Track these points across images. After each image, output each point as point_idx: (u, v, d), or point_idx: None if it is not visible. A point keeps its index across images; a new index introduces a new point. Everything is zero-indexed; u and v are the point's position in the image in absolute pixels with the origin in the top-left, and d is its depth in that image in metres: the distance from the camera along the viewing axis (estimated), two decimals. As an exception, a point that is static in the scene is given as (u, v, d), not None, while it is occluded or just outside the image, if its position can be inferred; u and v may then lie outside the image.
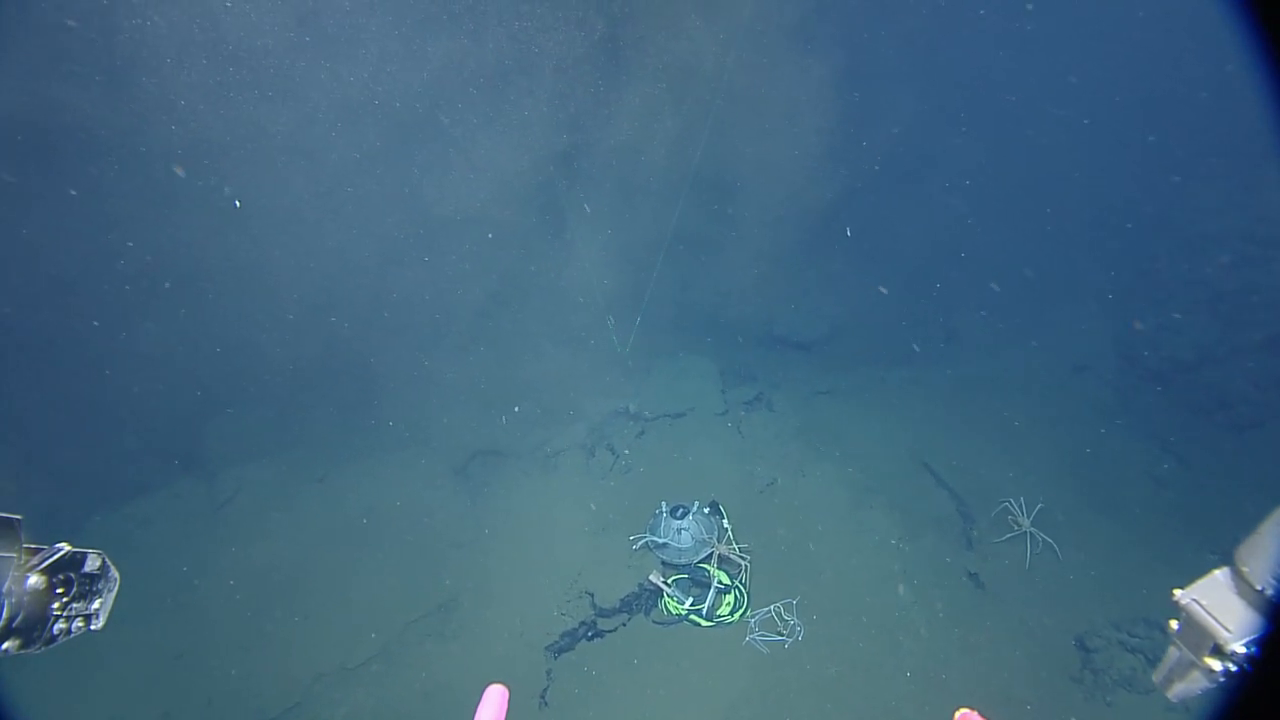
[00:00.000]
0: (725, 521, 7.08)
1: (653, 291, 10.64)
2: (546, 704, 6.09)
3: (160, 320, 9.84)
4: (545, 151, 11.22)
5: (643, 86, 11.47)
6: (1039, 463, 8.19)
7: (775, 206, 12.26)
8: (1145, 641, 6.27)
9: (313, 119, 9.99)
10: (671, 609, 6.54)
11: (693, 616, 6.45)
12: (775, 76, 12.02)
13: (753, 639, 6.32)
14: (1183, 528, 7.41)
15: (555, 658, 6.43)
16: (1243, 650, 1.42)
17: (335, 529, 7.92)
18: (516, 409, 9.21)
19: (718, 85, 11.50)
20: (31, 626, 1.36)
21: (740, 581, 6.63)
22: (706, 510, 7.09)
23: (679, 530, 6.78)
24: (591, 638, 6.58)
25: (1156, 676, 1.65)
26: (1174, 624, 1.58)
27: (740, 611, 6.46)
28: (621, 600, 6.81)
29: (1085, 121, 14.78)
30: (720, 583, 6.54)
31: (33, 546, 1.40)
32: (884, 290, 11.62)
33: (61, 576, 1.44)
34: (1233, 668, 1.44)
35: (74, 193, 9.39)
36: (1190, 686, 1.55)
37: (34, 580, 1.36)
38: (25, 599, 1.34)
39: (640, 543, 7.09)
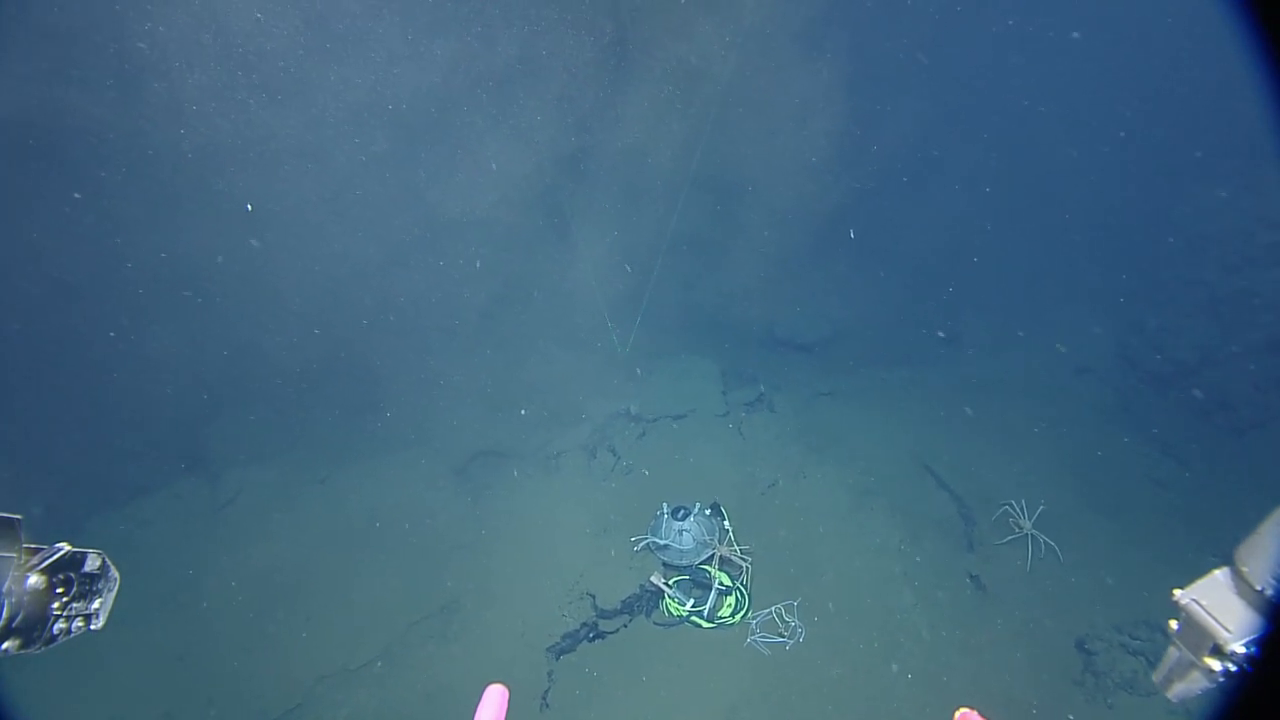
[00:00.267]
0: (726, 523, 7.07)
1: (652, 293, 10.65)
2: (548, 705, 6.08)
3: (167, 323, 9.85)
4: (552, 154, 11.24)
5: (650, 89, 11.49)
6: (1040, 464, 8.18)
7: (781, 209, 12.29)
8: (1146, 644, 6.25)
9: (321, 122, 10.02)
10: (673, 610, 6.54)
11: (694, 618, 6.44)
12: (783, 80, 12.06)
13: (754, 641, 6.31)
14: (1184, 529, 7.40)
15: (556, 659, 6.42)
16: (1242, 650, 1.42)
17: (337, 530, 7.92)
18: (523, 412, 9.21)
19: (725, 88, 11.53)
20: (31, 626, 1.36)
21: (741, 583, 6.62)
22: (708, 512, 7.08)
23: (680, 532, 6.78)
24: (593, 639, 6.57)
25: (1156, 677, 1.64)
26: (1174, 624, 1.58)
27: (741, 613, 6.45)
28: (623, 602, 6.80)
29: (1087, 124, 14.79)
30: (721, 584, 6.54)
31: (33, 546, 1.40)
32: (881, 273, 11.60)
33: (61, 576, 1.44)
34: (1232, 668, 1.44)
35: (78, 196, 9.41)
36: (1190, 687, 1.55)
37: (34, 580, 1.36)
38: (25, 599, 1.34)
39: (641, 544, 7.08)
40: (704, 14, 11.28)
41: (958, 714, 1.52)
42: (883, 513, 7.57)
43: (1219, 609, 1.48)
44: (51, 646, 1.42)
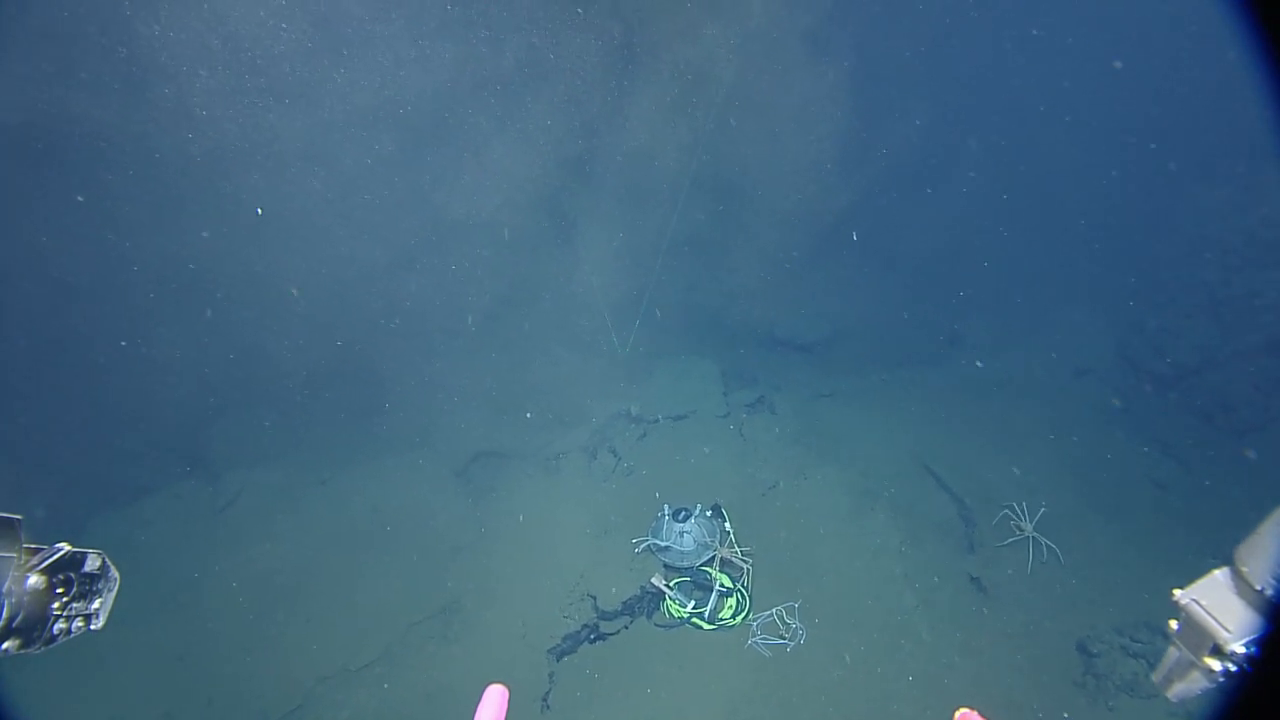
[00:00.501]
0: (727, 524, 7.07)
1: (652, 293, 10.64)
2: (549, 707, 6.08)
3: (172, 325, 9.86)
4: (558, 156, 11.24)
5: (657, 92, 11.49)
6: (1041, 466, 8.17)
7: (784, 210, 12.31)
8: (1147, 646, 6.24)
9: (327, 125, 10.03)
10: (673, 612, 6.53)
11: (695, 619, 6.44)
12: (787, 82, 12.08)
13: (755, 642, 6.31)
14: (1184, 531, 7.39)
15: (557, 660, 6.42)
16: (1242, 650, 1.42)
17: (339, 531, 7.92)
18: (529, 415, 9.21)
19: (730, 90, 11.53)
20: (31, 626, 1.36)
21: (742, 585, 6.62)
22: (709, 513, 7.08)
23: (681, 533, 6.78)
24: (594, 640, 6.57)
25: (1156, 677, 1.64)
26: (1173, 624, 1.57)
27: (742, 615, 6.45)
28: (624, 603, 6.80)
29: (1088, 124, 14.79)
30: (722, 586, 6.54)
31: (33, 546, 1.40)
32: (882, 274, 11.58)
33: (61, 576, 1.44)
34: (1232, 668, 1.44)
35: (81, 199, 9.41)
36: (1190, 687, 1.55)
37: (34, 580, 1.36)
38: (25, 599, 1.34)
39: (642, 546, 7.08)
40: (710, 17, 11.29)
41: (958, 714, 1.52)
42: (883, 514, 7.57)
43: (1219, 609, 1.47)
44: (51, 646, 1.42)
